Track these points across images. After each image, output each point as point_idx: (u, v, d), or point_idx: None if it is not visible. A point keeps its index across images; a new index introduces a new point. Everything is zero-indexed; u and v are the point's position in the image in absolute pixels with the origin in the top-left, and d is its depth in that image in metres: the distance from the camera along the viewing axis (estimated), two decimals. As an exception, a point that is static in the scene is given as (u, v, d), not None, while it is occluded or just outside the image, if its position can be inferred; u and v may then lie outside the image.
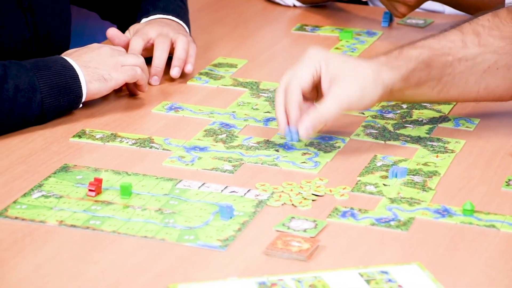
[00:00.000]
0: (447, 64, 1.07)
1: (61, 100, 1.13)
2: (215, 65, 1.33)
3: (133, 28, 1.30)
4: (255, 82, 1.28)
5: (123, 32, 1.30)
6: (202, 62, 1.33)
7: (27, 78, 1.11)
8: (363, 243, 0.93)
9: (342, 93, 1.04)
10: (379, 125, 1.16)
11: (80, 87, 1.14)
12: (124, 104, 1.21)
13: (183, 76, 1.30)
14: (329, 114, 1.05)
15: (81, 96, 1.15)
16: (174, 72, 1.26)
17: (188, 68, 1.27)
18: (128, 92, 1.23)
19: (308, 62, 1.05)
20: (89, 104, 1.19)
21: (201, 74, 1.31)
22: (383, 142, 1.12)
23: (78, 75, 1.14)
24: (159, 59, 1.25)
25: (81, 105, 1.17)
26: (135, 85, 1.21)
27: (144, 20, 1.31)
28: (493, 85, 1.09)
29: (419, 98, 1.10)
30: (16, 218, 0.96)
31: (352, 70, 1.05)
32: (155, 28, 1.28)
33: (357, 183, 1.03)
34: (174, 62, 1.26)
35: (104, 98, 1.20)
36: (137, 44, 1.25)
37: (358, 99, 1.04)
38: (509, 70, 1.09)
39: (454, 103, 1.22)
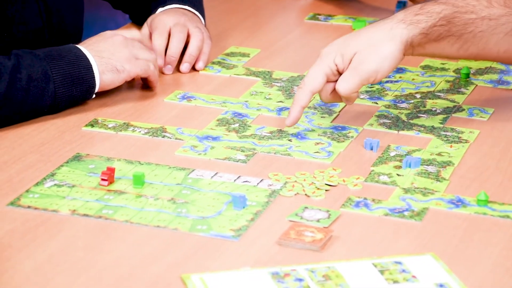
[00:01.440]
0: (469, 22, 1.05)
1: (74, 90, 1.13)
2: (227, 55, 1.33)
3: (150, 18, 1.29)
4: (268, 72, 1.28)
5: (139, 22, 1.29)
6: (214, 51, 1.32)
7: (40, 68, 1.11)
8: (376, 233, 0.93)
9: (360, 64, 1.04)
10: (392, 115, 1.16)
11: (94, 77, 1.14)
12: (137, 93, 1.21)
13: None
14: (348, 86, 1.04)
15: (94, 87, 1.15)
16: (184, 68, 1.26)
17: (199, 66, 1.27)
18: (141, 81, 1.23)
19: (319, 61, 1.06)
20: (102, 93, 1.18)
21: (213, 63, 1.30)
22: (396, 132, 1.12)
23: (91, 65, 1.13)
24: (174, 48, 1.25)
25: (93, 96, 1.17)
26: (146, 80, 1.20)
27: (160, 9, 1.31)
28: None
29: (439, 52, 1.08)
30: (29, 207, 0.96)
31: (367, 41, 1.04)
32: (172, 17, 1.27)
33: (370, 173, 1.03)
34: (186, 58, 1.26)
35: (117, 87, 1.20)
36: (160, 44, 1.24)
37: (379, 65, 1.03)
38: None
39: (468, 93, 1.21)
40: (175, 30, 1.26)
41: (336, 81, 1.06)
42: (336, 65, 1.05)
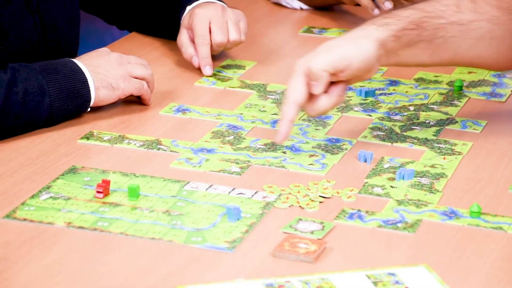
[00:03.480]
0: (439, 27, 1.05)
1: (70, 104, 1.14)
2: (223, 67, 1.33)
3: (187, 17, 1.28)
4: (263, 84, 1.28)
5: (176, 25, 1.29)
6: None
7: (36, 82, 1.12)
8: (370, 245, 0.93)
9: (334, 47, 1.02)
10: (386, 127, 1.16)
11: (89, 91, 1.15)
12: (132, 106, 1.21)
13: (191, 77, 1.30)
14: (319, 61, 1.01)
15: (89, 101, 1.15)
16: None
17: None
18: (135, 97, 1.24)
19: (295, 73, 1.04)
20: (96, 107, 1.19)
21: (208, 76, 1.31)
22: (390, 144, 1.12)
23: (87, 79, 1.14)
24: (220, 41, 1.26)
25: (88, 109, 1.17)
26: (140, 97, 1.21)
27: (188, 7, 1.30)
28: (485, 54, 1.07)
29: (413, 60, 1.07)
30: (25, 219, 0.96)
31: (341, 38, 1.03)
32: (209, 12, 1.26)
33: (364, 185, 1.03)
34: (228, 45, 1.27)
35: (112, 100, 1.21)
36: (206, 51, 1.26)
37: (353, 52, 1.01)
38: (503, 41, 1.06)
39: (461, 105, 1.22)
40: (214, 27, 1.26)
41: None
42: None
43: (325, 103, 1.05)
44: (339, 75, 1.04)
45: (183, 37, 1.30)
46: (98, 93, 1.15)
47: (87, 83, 1.15)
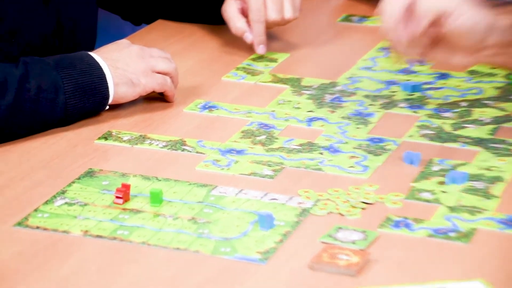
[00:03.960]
0: None
1: (86, 102, 1.14)
2: (253, 60, 1.33)
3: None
4: (297, 78, 1.28)
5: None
6: (239, 56, 1.33)
7: (50, 77, 1.12)
8: (418, 256, 0.92)
9: None
10: (435, 125, 1.15)
11: (107, 88, 1.14)
12: (154, 103, 1.22)
13: (218, 71, 1.30)
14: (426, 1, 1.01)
15: (107, 98, 1.15)
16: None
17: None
18: (157, 94, 1.23)
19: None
20: (115, 104, 1.18)
21: (237, 69, 1.30)
22: (439, 144, 1.11)
23: (105, 75, 1.14)
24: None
25: (107, 107, 1.17)
26: (163, 94, 1.20)
27: None
28: None
29: None
30: (38, 227, 0.96)
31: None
32: None
33: (411, 190, 1.02)
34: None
35: (132, 96, 1.21)
36: (262, 29, 1.26)
37: (464, 6, 1.01)
38: None
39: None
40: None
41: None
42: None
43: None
44: (441, 25, 1.02)
45: (231, 8, 1.30)
46: (117, 90, 1.15)
47: (105, 78, 1.14)
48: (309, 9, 1.50)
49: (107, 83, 1.15)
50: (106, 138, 1.13)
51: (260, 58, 1.33)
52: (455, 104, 1.20)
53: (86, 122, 1.16)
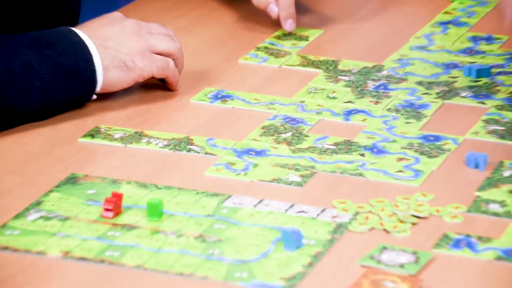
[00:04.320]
0: None
1: (68, 89, 1.14)
2: (278, 37, 1.34)
3: None
4: (332, 61, 1.28)
5: None
6: (260, 33, 1.33)
7: (23, 58, 1.12)
8: (484, 283, 0.92)
9: None
10: (506, 119, 1.15)
11: (94, 71, 1.15)
12: (153, 92, 1.22)
13: (233, 52, 1.30)
14: None
15: (94, 85, 1.16)
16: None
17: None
18: (157, 80, 1.24)
19: None
20: (105, 93, 1.19)
21: (258, 49, 1.31)
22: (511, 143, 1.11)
23: (92, 56, 1.14)
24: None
25: (94, 97, 1.17)
26: (164, 80, 1.21)
27: None
28: None
29: None
30: (6, 248, 0.97)
31: None
32: None
33: (475, 201, 1.02)
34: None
35: (126, 84, 1.21)
36: (290, 1, 1.30)
37: None
38: None
39: None
40: None
41: None
42: None
43: None
44: None
45: None
46: (107, 74, 1.15)
47: (92, 60, 1.15)
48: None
49: (94, 66, 1.15)
50: (93, 136, 1.14)
51: (287, 35, 1.34)
52: (531, 93, 1.21)
53: (67, 115, 1.16)
